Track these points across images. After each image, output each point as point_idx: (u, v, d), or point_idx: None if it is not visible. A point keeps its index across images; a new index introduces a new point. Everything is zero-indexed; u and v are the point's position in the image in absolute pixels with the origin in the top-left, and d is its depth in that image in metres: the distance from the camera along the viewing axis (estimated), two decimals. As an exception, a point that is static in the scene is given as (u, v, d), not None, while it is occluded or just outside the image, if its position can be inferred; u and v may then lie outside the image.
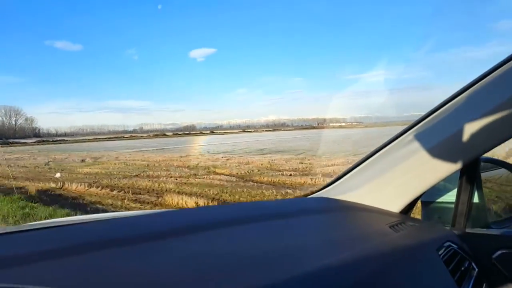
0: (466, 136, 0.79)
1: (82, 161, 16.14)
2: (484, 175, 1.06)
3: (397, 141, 0.91)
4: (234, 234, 0.60)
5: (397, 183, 0.89)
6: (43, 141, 45.84)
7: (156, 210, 0.80)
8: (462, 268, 0.74)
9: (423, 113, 0.88)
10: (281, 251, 0.53)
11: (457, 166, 0.84)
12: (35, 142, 44.00)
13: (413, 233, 0.78)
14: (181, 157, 16.13)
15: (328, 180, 1.04)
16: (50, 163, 15.67)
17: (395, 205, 0.90)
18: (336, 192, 0.97)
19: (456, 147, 0.81)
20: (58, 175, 10.94)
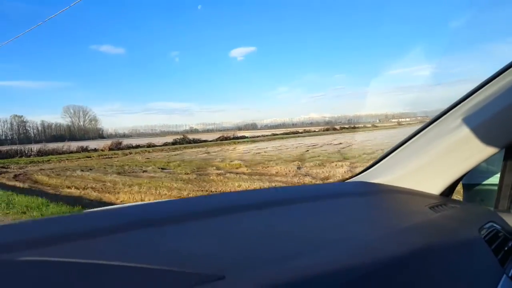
0: (509, 115, 0.77)
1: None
2: None
3: (436, 123, 0.90)
4: (274, 215, 0.62)
5: (436, 165, 0.89)
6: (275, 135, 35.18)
7: (200, 196, 0.86)
8: (506, 248, 0.74)
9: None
10: (320, 229, 0.55)
11: (501, 146, 0.82)
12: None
13: (454, 214, 0.78)
14: None
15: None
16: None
17: (435, 188, 0.90)
18: (374, 176, 0.99)
19: (499, 127, 0.80)
20: None
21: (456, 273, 0.55)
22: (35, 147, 23.41)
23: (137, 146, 28.10)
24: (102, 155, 22.15)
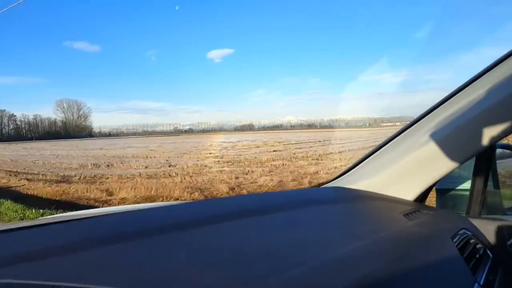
0: (481, 123, 0.78)
1: None
2: (500, 162, 1.05)
3: (410, 129, 0.91)
4: (248, 225, 0.60)
5: (411, 171, 0.89)
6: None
7: (171, 202, 0.81)
8: (477, 256, 0.74)
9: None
10: (296, 241, 0.54)
11: (472, 153, 0.84)
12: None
13: (427, 221, 0.79)
14: None
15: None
16: None
17: (410, 194, 0.91)
18: (349, 182, 0.98)
19: (471, 135, 0.81)
20: None
21: (429, 283, 0.55)
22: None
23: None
24: None
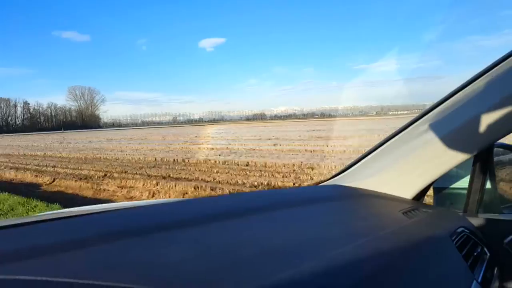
0: (480, 122, 0.78)
1: None
2: (497, 161, 1.06)
3: (409, 128, 0.91)
4: (249, 224, 0.60)
5: (409, 170, 0.89)
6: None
7: (171, 199, 0.81)
8: (475, 253, 0.75)
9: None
10: (297, 239, 0.54)
11: (471, 152, 0.84)
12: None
13: (426, 219, 0.79)
14: None
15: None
16: None
17: (408, 192, 0.91)
18: (348, 180, 0.98)
19: (470, 134, 0.81)
20: None
21: (429, 281, 0.56)
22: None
23: None
24: None
